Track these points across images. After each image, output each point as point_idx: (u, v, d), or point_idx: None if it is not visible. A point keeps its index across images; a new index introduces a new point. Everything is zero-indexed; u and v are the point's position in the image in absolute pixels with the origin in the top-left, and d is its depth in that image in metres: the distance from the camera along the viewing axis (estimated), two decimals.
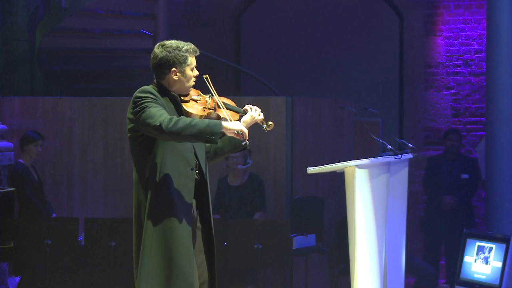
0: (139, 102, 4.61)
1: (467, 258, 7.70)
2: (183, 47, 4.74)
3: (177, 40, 4.86)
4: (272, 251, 7.42)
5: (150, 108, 4.57)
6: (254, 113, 4.80)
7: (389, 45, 11.06)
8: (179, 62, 4.71)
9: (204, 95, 4.83)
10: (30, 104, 9.05)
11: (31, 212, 8.10)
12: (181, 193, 4.64)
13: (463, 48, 10.59)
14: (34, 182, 8.22)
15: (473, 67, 10.57)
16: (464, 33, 10.58)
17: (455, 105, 10.63)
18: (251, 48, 11.57)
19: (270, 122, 4.84)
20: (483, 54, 10.20)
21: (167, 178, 4.62)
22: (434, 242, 9.28)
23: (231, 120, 4.72)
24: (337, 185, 8.43)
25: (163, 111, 4.58)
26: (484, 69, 10.05)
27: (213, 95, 4.82)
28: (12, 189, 6.79)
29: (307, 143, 8.84)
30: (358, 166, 5.93)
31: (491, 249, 7.53)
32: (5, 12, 10.60)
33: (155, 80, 4.78)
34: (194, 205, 4.75)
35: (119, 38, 10.78)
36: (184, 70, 4.73)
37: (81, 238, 7.64)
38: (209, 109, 4.76)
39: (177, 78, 4.72)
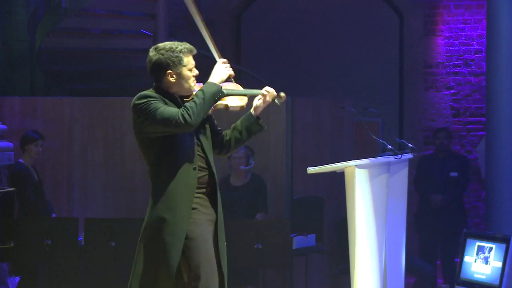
0: (143, 108, 4.50)
1: (467, 258, 7.69)
2: (176, 47, 4.59)
3: (176, 40, 4.79)
4: (272, 251, 7.40)
5: (159, 109, 4.48)
6: (268, 96, 4.80)
7: (389, 45, 11.05)
8: (174, 64, 4.57)
9: None
10: (30, 104, 9.04)
11: (31, 212, 8.09)
12: (182, 192, 4.57)
13: (463, 48, 10.59)
14: (34, 182, 8.22)
15: (473, 67, 10.56)
16: (464, 33, 10.58)
17: (455, 105, 10.63)
18: (251, 48, 11.57)
19: (282, 94, 4.83)
20: (483, 54, 10.19)
21: (169, 177, 4.55)
22: (429, 241, 9.26)
23: (238, 105, 4.74)
24: (337, 185, 8.42)
25: (171, 108, 4.51)
26: (484, 69, 10.05)
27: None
28: (12, 189, 6.79)
29: (307, 143, 8.84)
30: (358, 166, 5.93)
31: (491, 249, 7.53)
32: (5, 12, 10.61)
33: (154, 84, 4.66)
34: (208, 202, 4.69)
35: (119, 38, 10.79)
36: (181, 71, 4.59)
37: (81, 238, 7.64)
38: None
39: (174, 80, 4.60)
